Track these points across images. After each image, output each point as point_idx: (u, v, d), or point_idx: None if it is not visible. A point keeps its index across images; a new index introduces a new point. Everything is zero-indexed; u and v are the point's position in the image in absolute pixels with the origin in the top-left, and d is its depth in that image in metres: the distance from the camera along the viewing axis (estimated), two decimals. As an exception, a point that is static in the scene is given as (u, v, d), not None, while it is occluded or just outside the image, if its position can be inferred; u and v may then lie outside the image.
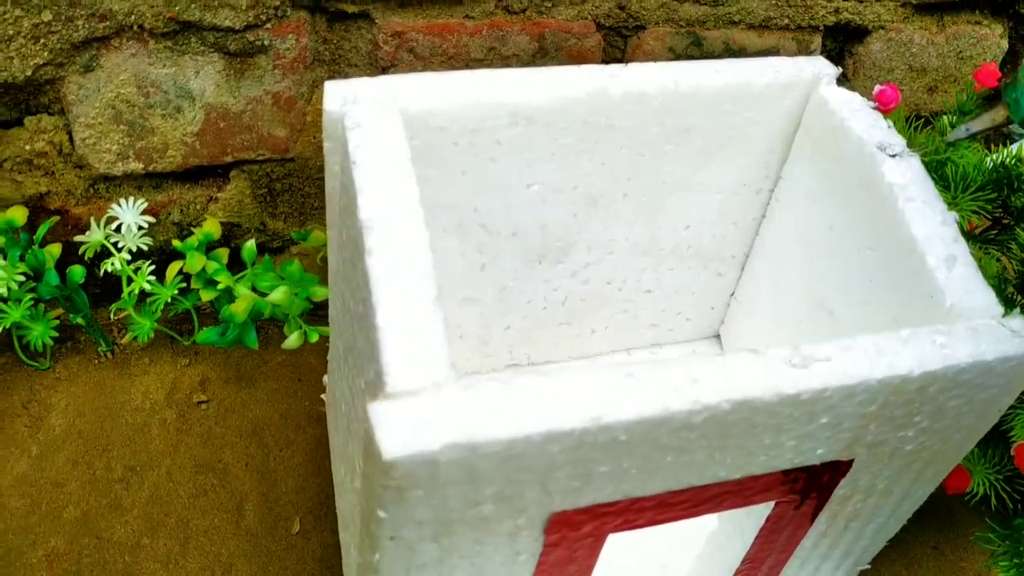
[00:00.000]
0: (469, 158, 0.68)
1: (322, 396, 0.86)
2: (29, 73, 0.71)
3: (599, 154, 0.71)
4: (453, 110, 0.65)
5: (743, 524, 0.61)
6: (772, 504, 0.56)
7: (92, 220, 0.81)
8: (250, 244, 0.84)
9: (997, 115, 0.63)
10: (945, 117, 0.76)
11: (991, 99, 0.66)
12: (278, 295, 0.81)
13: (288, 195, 0.87)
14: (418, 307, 0.47)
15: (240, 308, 0.79)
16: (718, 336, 0.94)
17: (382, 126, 0.59)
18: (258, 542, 0.77)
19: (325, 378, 0.80)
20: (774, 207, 0.81)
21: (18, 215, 0.78)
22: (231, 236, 0.88)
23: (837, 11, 0.95)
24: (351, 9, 0.78)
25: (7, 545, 0.75)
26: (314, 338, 0.82)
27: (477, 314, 0.81)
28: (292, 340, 0.82)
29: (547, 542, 0.48)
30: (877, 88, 0.74)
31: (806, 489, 0.53)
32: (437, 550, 0.46)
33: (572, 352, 0.89)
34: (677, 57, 0.93)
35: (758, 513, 0.58)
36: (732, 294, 0.90)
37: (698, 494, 0.51)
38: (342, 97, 0.61)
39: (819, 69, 0.72)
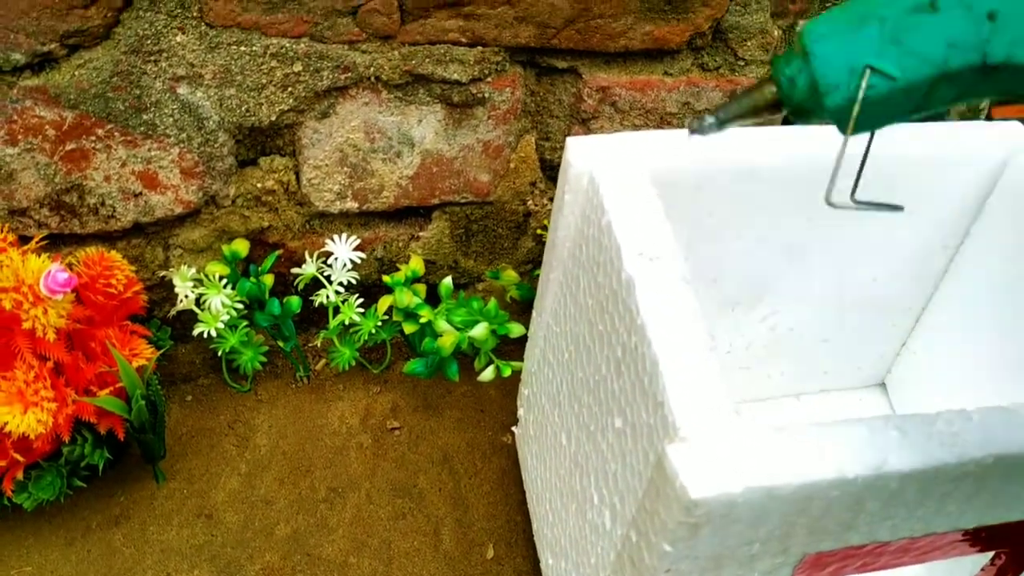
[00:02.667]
0: (690, 211, 0.72)
1: (513, 429, 0.90)
2: (274, 118, 0.77)
3: (807, 209, 0.75)
4: (684, 168, 0.69)
5: (953, 570, 0.64)
6: (992, 554, 0.59)
7: (306, 254, 0.86)
8: (447, 281, 0.89)
9: (761, 95, 0.42)
10: None
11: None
12: (479, 332, 0.85)
13: (482, 235, 0.92)
14: (697, 357, 0.51)
15: (447, 343, 0.84)
16: (883, 384, 0.97)
17: (633, 183, 0.63)
18: (456, 566, 0.81)
19: (520, 411, 0.84)
20: (959, 263, 0.83)
21: (242, 248, 0.84)
22: (426, 272, 0.93)
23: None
24: (561, 65, 0.82)
25: (227, 558, 0.80)
26: (507, 372, 0.87)
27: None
28: (487, 374, 0.86)
29: (790, 580, 0.51)
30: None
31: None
32: None
33: (745, 395, 0.92)
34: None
35: (971, 562, 0.61)
36: (904, 344, 0.92)
37: (935, 541, 0.54)
38: (586, 153, 0.65)
39: (1018, 134, 0.75)
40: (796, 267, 0.80)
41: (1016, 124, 0.77)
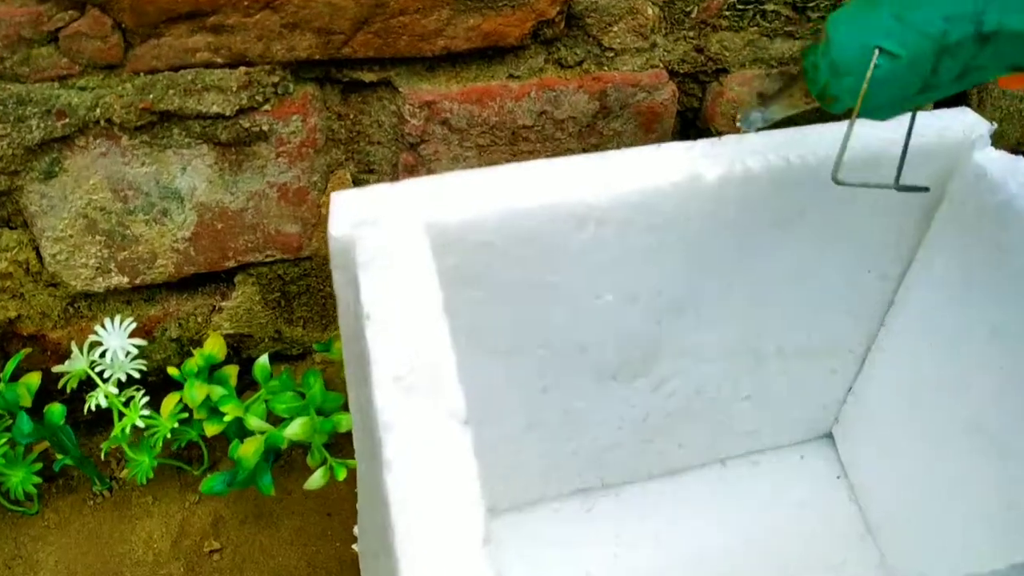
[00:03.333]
0: (522, 272, 0.53)
1: (353, 547, 0.71)
2: (-22, 186, 0.58)
3: (688, 251, 0.56)
4: (498, 218, 0.50)
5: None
6: None
7: (74, 345, 0.68)
8: (262, 361, 0.70)
9: (796, 94, 0.45)
10: None
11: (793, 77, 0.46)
12: (296, 429, 0.66)
13: (306, 297, 0.73)
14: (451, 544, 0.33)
15: (249, 451, 0.65)
16: (830, 435, 0.78)
17: (406, 261, 0.44)
18: None
19: (356, 529, 0.66)
20: (904, 296, 0.65)
21: (-16, 346, 0.65)
22: (241, 347, 0.74)
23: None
24: (369, 78, 0.63)
25: None
26: (341, 475, 0.68)
27: (537, 440, 0.66)
28: (316, 479, 0.68)
29: None
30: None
31: None
32: None
33: (655, 469, 0.74)
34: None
35: None
36: (849, 390, 0.73)
37: None
38: (353, 216, 0.47)
39: (969, 127, 0.56)
40: (688, 321, 0.61)
41: (966, 112, 0.58)
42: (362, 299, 0.42)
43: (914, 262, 0.62)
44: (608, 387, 0.64)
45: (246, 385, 0.73)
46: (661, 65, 0.71)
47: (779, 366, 0.68)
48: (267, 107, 0.61)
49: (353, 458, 0.67)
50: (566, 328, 0.58)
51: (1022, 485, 0.56)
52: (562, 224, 0.51)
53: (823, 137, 0.55)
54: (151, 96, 0.57)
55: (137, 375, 0.68)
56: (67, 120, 0.57)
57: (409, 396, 0.38)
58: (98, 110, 0.57)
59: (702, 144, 0.54)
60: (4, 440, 0.67)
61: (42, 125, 0.57)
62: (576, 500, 0.73)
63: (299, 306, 0.74)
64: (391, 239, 0.45)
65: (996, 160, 0.55)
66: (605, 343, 0.60)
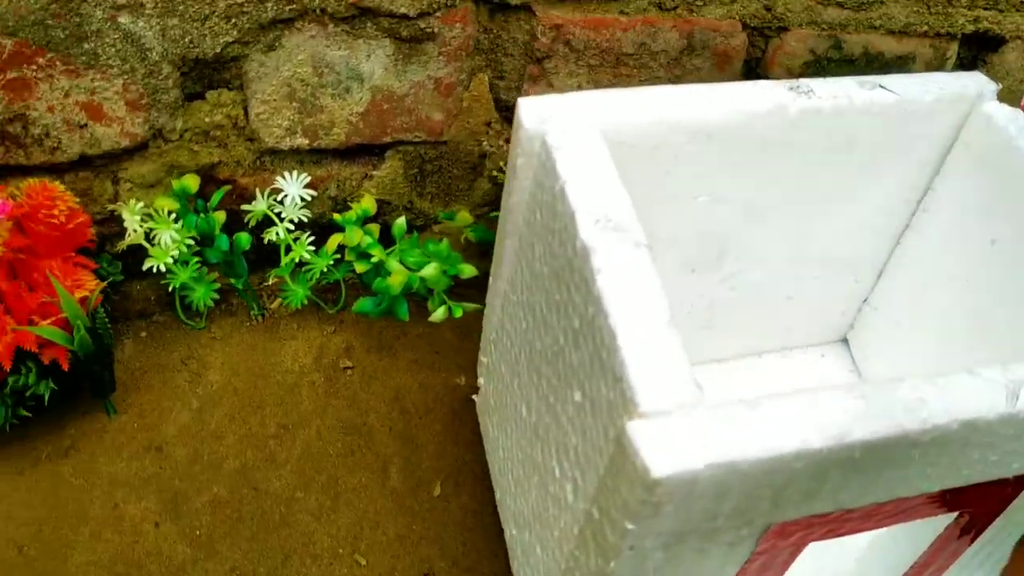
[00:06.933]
0: (647, 171, 0.70)
1: (480, 381, 0.87)
2: (219, 50, 0.76)
3: (767, 167, 0.73)
4: (640, 127, 0.66)
5: (916, 532, 0.63)
6: (956, 514, 0.58)
7: (257, 191, 0.86)
8: (401, 221, 0.88)
9: None
10: None
11: None
12: (429, 271, 0.85)
13: (437, 176, 0.91)
14: (656, 328, 0.48)
15: (396, 282, 0.83)
16: (845, 340, 0.96)
17: (588, 147, 0.60)
18: (402, 502, 0.82)
19: (480, 380, 0.82)
20: (921, 218, 0.82)
21: (191, 183, 0.83)
22: (380, 212, 0.92)
23: (976, 20, 0.95)
24: (514, 1, 0.81)
25: (174, 489, 0.80)
26: (458, 313, 0.86)
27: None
28: (439, 314, 0.86)
29: (757, 549, 0.51)
30: (1028, 100, 0.75)
31: (1000, 499, 0.55)
32: (663, 557, 0.49)
33: (703, 355, 0.91)
34: (817, 59, 0.94)
35: (936, 522, 0.60)
36: (866, 300, 0.91)
37: (899, 504, 0.53)
38: (538, 115, 0.62)
39: (981, 85, 0.73)
40: (756, 226, 0.79)
41: (976, 74, 0.75)
42: (559, 169, 0.57)
43: (930, 190, 0.80)
44: (687, 277, 0.80)
45: (382, 246, 0.91)
46: (737, 17, 0.88)
47: (817, 272, 0.85)
48: (439, 13, 0.78)
49: (465, 303, 0.85)
50: (666, 222, 0.74)
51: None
52: (680, 136, 0.68)
53: (876, 84, 0.72)
54: (359, -6, 0.75)
55: (305, 220, 0.86)
56: (294, 5, 0.75)
57: (604, 231, 0.54)
58: (318, 0, 0.75)
59: (789, 84, 0.71)
60: (195, 261, 0.86)
61: (275, 8, 0.75)
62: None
63: (430, 183, 0.92)
64: (575, 132, 0.60)
65: (1000, 110, 0.73)
66: (691, 239, 0.77)
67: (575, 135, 0.61)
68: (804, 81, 0.71)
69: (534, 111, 0.63)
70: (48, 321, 0.74)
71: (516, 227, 0.67)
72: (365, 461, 0.84)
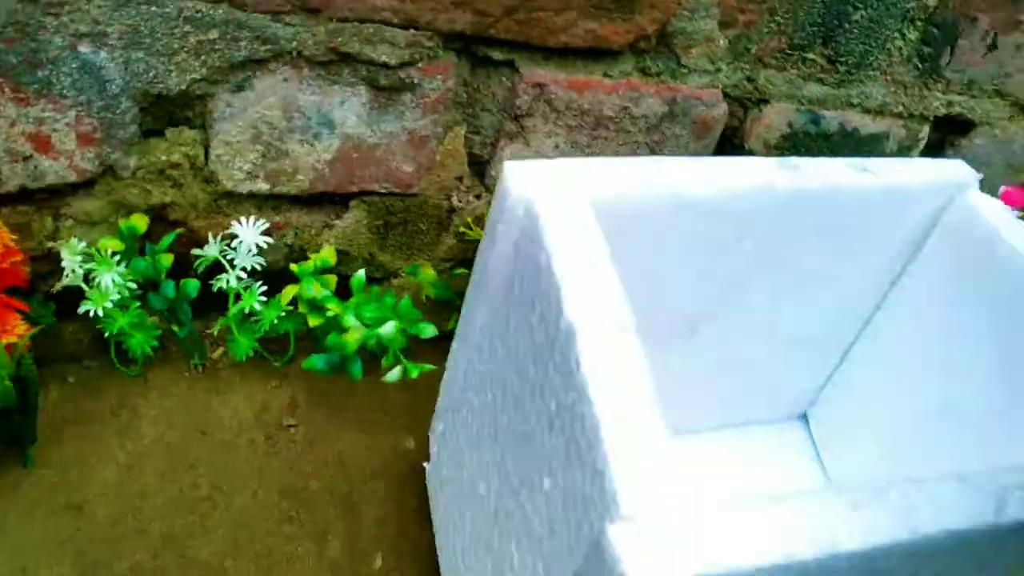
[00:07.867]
0: (632, 244, 0.66)
1: (433, 449, 0.83)
2: (184, 87, 0.71)
3: (752, 244, 0.71)
4: (631, 199, 0.63)
5: None
6: None
7: (210, 235, 0.81)
8: (360, 274, 0.84)
9: None
10: None
11: None
12: (388, 331, 0.80)
13: (402, 229, 0.87)
14: (643, 424, 0.45)
15: (352, 339, 0.79)
16: (804, 416, 0.94)
17: (578, 220, 0.56)
18: (340, 574, 0.76)
19: (433, 448, 0.78)
20: (893, 300, 0.81)
21: (140, 223, 0.78)
22: (339, 263, 0.87)
23: (950, 104, 0.96)
24: (498, 56, 0.78)
25: (92, 554, 0.73)
26: (414, 374, 0.82)
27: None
28: (394, 374, 0.82)
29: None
30: (1003, 189, 0.75)
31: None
32: None
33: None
34: (794, 132, 0.93)
35: None
36: (829, 378, 0.90)
37: None
38: (525, 180, 0.59)
39: (965, 174, 0.73)
40: (732, 301, 0.76)
41: (959, 162, 0.75)
42: (546, 242, 0.54)
43: (905, 273, 0.79)
44: (654, 349, 0.78)
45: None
46: (720, 87, 0.87)
47: (784, 349, 0.84)
48: (420, 64, 0.75)
49: (420, 363, 0.81)
50: (649, 293, 0.72)
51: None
52: (669, 210, 0.65)
53: (862, 167, 0.71)
54: (339, 39, 0.71)
55: (259, 268, 0.81)
56: (269, 47, 0.71)
57: (592, 312, 0.50)
58: (295, 43, 0.71)
59: (780, 162, 0.69)
60: (136, 305, 0.80)
61: (249, 47, 0.70)
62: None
63: (393, 235, 0.87)
64: (564, 203, 0.57)
65: (983, 200, 0.72)
66: (667, 313, 0.74)
67: (565, 206, 0.58)
68: (792, 159, 0.69)
69: (521, 176, 0.59)
70: (-32, 365, 0.67)
71: (488, 296, 0.64)
72: (303, 529, 0.78)
